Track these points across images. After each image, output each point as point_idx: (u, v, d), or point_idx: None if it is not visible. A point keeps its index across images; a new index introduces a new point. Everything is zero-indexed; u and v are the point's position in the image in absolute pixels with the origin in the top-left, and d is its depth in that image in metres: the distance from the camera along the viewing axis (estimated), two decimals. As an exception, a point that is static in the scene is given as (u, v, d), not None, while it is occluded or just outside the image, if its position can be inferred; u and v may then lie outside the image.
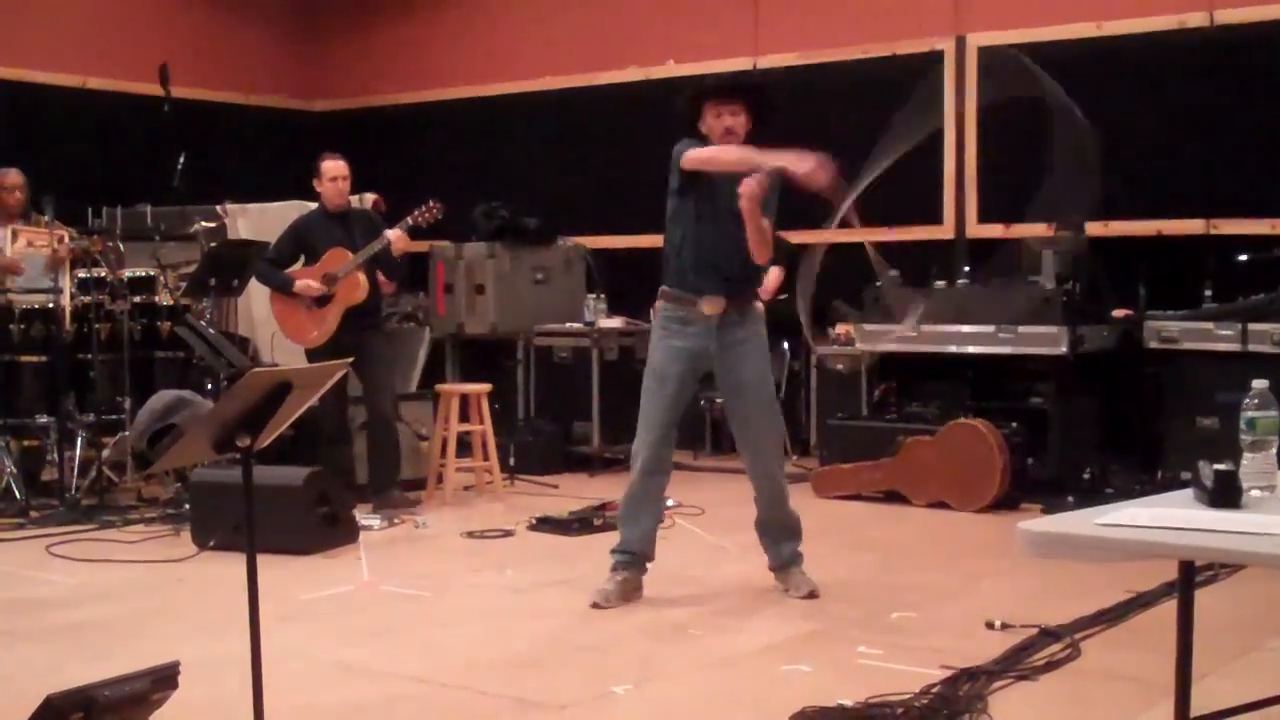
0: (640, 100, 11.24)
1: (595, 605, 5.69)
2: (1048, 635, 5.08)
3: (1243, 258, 8.44)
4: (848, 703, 4.29)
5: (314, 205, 8.35)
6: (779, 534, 5.97)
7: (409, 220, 8.00)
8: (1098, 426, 8.49)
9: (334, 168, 8.03)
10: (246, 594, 3.64)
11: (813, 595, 5.79)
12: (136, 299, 8.49)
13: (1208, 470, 3.28)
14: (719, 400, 9.91)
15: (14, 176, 8.70)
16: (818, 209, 6.00)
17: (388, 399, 8.16)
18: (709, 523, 7.57)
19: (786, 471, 6.21)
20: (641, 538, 5.89)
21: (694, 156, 5.67)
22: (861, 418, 8.99)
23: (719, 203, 5.75)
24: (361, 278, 7.91)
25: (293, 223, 8.28)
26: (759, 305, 5.99)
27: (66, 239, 8.30)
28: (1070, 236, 8.61)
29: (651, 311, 6.06)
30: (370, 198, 9.55)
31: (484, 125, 11.99)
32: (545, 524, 7.53)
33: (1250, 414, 3.35)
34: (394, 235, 7.85)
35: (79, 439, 8.18)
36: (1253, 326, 7.85)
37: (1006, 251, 8.81)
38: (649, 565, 5.94)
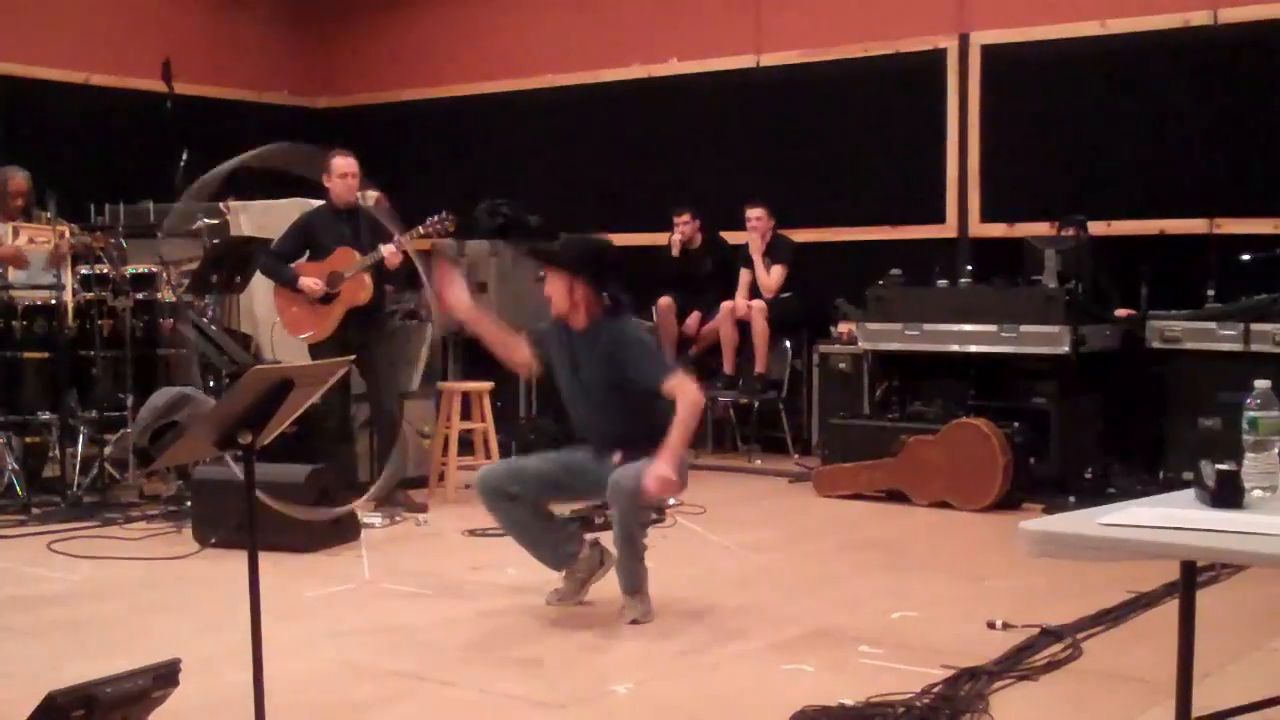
0: (643, 98, 11.25)
1: (548, 602, 5.73)
2: (1049, 635, 5.08)
3: (1245, 257, 8.44)
4: (849, 702, 4.29)
5: (315, 202, 8.35)
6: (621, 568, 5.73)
7: (420, 229, 7.97)
8: (1100, 426, 8.49)
9: (344, 164, 8.00)
10: (248, 591, 3.64)
11: (636, 622, 5.52)
12: (139, 296, 8.49)
13: (1210, 470, 3.28)
14: (721, 398, 9.97)
15: (20, 181, 8.69)
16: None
17: (391, 397, 8.16)
18: (710, 521, 7.56)
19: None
20: (556, 552, 5.81)
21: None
22: (863, 416, 8.98)
23: (565, 384, 5.76)
24: (367, 280, 7.90)
25: (300, 217, 8.26)
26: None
27: (68, 234, 8.30)
28: (1074, 236, 8.62)
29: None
30: (373, 195, 9.54)
31: (487, 122, 12.00)
32: (547, 522, 7.51)
33: (1252, 414, 3.34)
34: (388, 252, 7.81)
35: (81, 436, 8.19)
36: (1255, 326, 7.85)
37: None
38: (579, 551, 5.81)
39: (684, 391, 5.48)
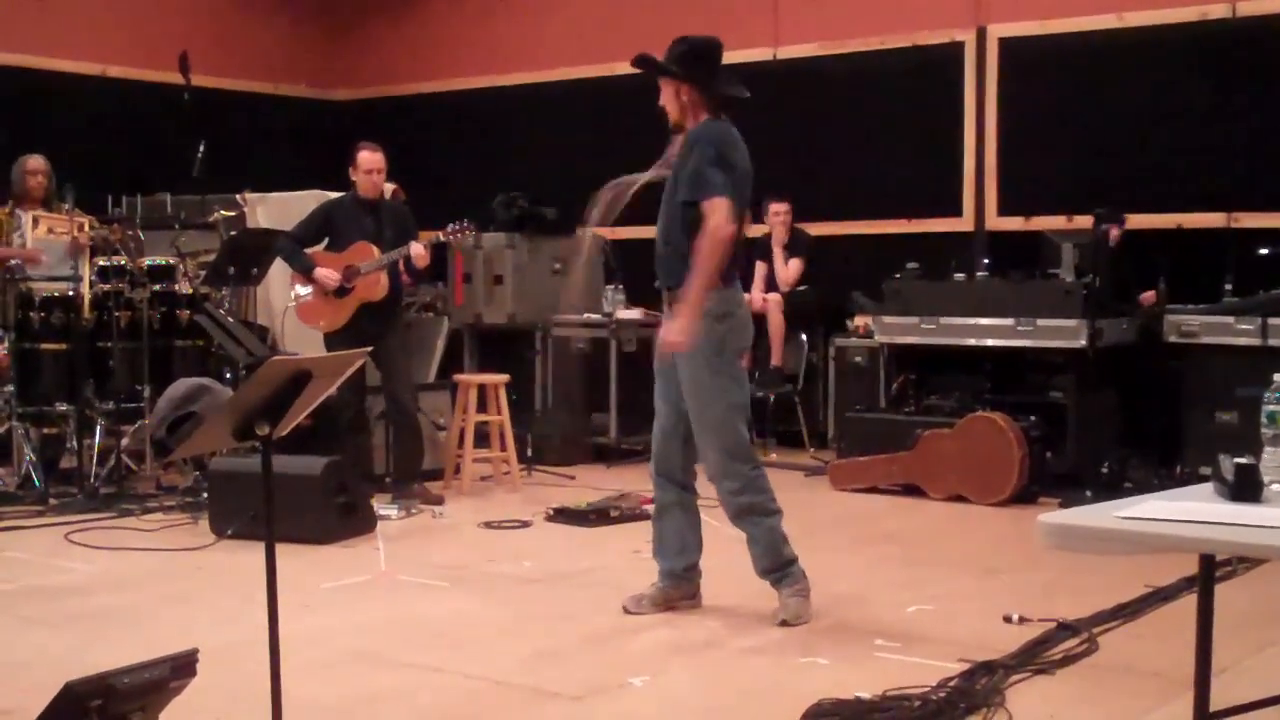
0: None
1: (625, 609, 5.49)
2: (1065, 629, 5.07)
3: (1263, 251, 8.42)
4: (865, 695, 4.29)
5: (332, 194, 8.36)
6: (751, 546, 5.47)
7: (439, 236, 7.96)
8: (1116, 420, 8.47)
9: (370, 160, 7.94)
10: (264, 582, 3.65)
11: (784, 624, 5.27)
12: (156, 287, 8.51)
13: (1228, 464, 3.28)
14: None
15: (37, 161, 8.72)
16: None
17: (407, 389, 8.16)
18: (724, 514, 7.54)
19: (753, 472, 5.45)
20: (666, 554, 5.55)
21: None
22: (879, 410, 8.97)
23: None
24: (383, 277, 7.89)
25: (323, 204, 8.25)
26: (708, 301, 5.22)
27: (87, 227, 8.32)
28: (1105, 232, 8.57)
29: None
30: (390, 187, 9.55)
31: (504, 115, 12.00)
32: (562, 515, 7.53)
33: (1271, 408, 3.34)
34: (417, 252, 7.80)
35: (98, 427, 8.21)
36: (1273, 321, 7.82)
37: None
38: (695, 578, 5.59)
39: (709, 215, 5.12)
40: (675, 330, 5.18)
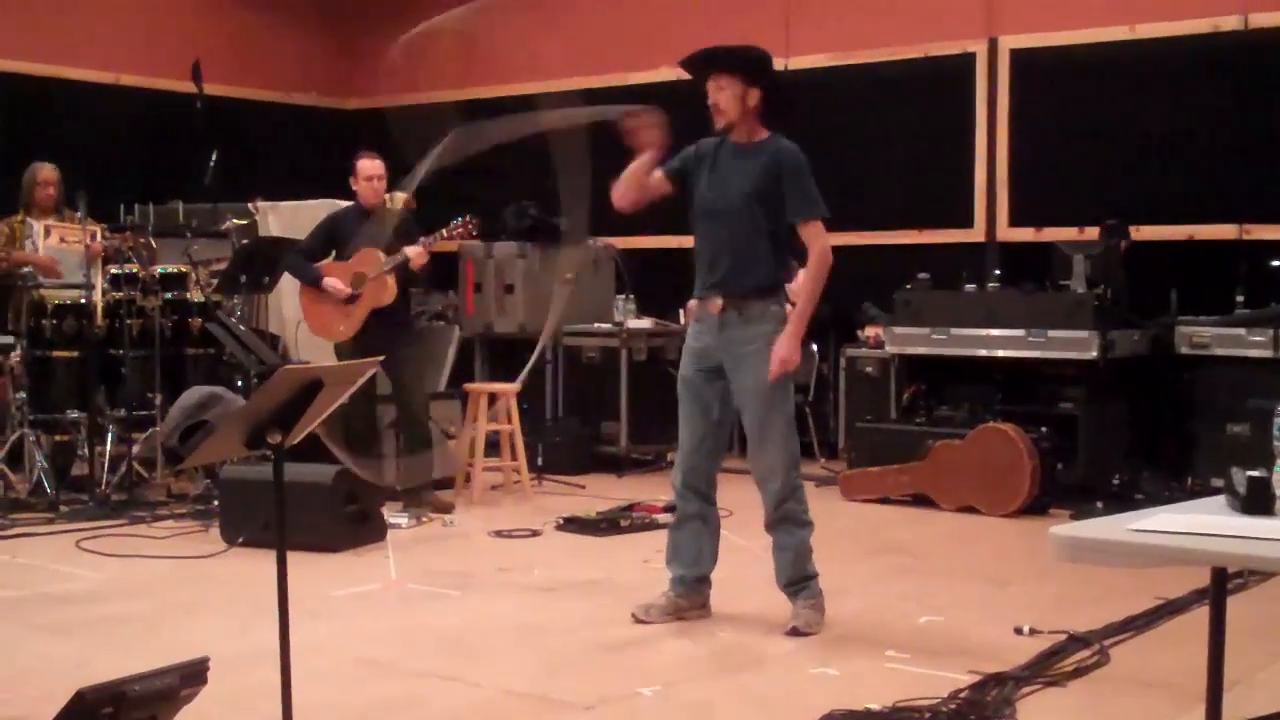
0: (671, 100, 11.23)
1: (634, 617, 5.51)
2: (1076, 641, 5.06)
3: (1275, 263, 8.41)
4: (875, 707, 4.28)
5: (344, 203, 8.38)
6: (779, 554, 5.53)
7: (443, 233, 7.97)
8: (1128, 432, 8.47)
9: (370, 167, 8.01)
10: (275, 591, 3.65)
11: (795, 632, 5.29)
12: (168, 295, 8.52)
13: (1240, 477, 3.27)
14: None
15: (48, 171, 8.73)
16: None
17: (418, 398, 8.17)
18: (736, 524, 7.52)
19: (799, 481, 5.50)
20: (681, 563, 5.58)
21: None
22: (890, 421, 8.96)
23: (700, 201, 5.52)
24: (390, 281, 7.91)
25: (326, 216, 8.29)
26: (765, 306, 5.37)
27: (99, 236, 8.33)
28: (1116, 244, 8.57)
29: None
30: (401, 197, 9.56)
31: (514, 124, 12.00)
32: (573, 524, 7.53)
33: (1283, 420, 3.33)
34: (414, 253, 7.81)
35: (109, 434, 8.22)
36: (1286, 333, 7.82)
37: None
38: (706, 589, 5.62)
39: (816, 241, 5.31)
40: (787, 349, 5.27)
